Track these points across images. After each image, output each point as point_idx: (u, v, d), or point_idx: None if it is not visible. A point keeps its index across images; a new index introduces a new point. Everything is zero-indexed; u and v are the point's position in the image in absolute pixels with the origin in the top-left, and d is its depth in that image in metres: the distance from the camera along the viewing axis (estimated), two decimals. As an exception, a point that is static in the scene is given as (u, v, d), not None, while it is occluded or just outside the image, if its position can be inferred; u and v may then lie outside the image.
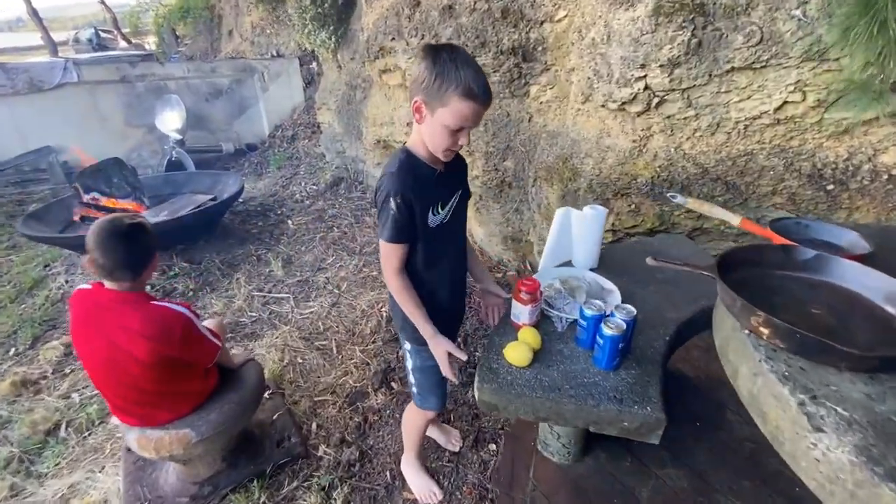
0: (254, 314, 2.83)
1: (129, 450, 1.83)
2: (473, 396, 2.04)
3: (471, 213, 3.13)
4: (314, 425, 2.05)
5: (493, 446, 1.82)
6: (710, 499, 1.43)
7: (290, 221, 4.11)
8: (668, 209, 2.18)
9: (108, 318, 1.40)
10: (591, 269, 1.65)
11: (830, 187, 1.93)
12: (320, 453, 1.91)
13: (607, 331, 1.14)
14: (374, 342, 2.54)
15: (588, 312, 1.23)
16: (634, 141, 2.19)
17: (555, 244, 1.74)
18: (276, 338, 2.59)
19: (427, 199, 1.19)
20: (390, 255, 1.22)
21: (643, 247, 1.85)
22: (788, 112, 1.86)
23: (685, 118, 2.05)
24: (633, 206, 2.26)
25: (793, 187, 1.97)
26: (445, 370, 1.28)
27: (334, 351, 2.49)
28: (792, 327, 0.76)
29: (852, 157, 1.87)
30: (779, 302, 0.93)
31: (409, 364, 1.44)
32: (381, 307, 2.78)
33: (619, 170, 2.25)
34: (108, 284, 1.42)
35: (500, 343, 1.31)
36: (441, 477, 1.73)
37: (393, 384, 2.23)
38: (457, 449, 1.81)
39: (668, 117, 2.08)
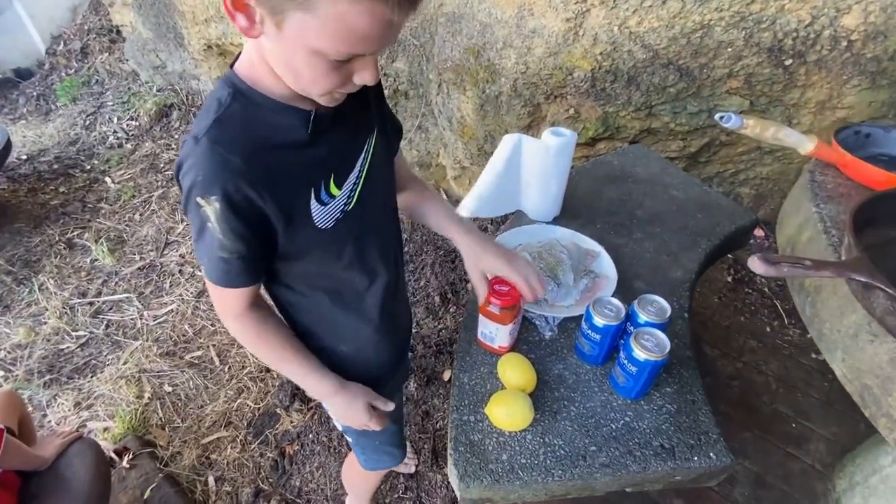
0: (81, 333, 1.98)
1: None
2: (417, 391, 1.65)
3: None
4: (211, 480, 1.50)
5: (457, 456, 1.46)
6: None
7: (108, 179, 2.97)
8: (613, 109, 1.76)
9: None
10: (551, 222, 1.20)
11: (789, 62, 1.63)
12: (229, 521, 1.39)
13: (643, 355, 0.72)
14: (270, 336, 1.92)
15: (599, 322, 0.79)
16: (568, 20, 1.63)
17: (497, 188, 1.19)
18: (125, 363, 1.84)
19: (299, 179, 0.61)
20: (223, 300, 0.67)
21: (604, 170, 1.43)
22: (757, -37, 1.44)
23: (633, -19, 1.53)
24: (571, 111, 1.79)
25: (750, 66, 1.64)
26: (373, 425, 0.82)
27: (216, 362, 1.85)
28: None
29: (814, 22, 1.56)
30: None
31: (339, 425, 0.94)
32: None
33: (550, 63, 1.71)
34: None
35: (472, 388, 0.83)
36: (401, 515, 1.35)
37: (309, 393, 1.70)
38: (412, 470, 1.42)
39: (611, -19, 1.54)
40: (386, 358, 0.85)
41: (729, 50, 1.62)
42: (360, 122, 0.68)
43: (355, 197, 0.68)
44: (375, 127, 0.71)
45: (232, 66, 0.58)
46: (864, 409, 0.61)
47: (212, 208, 0.54)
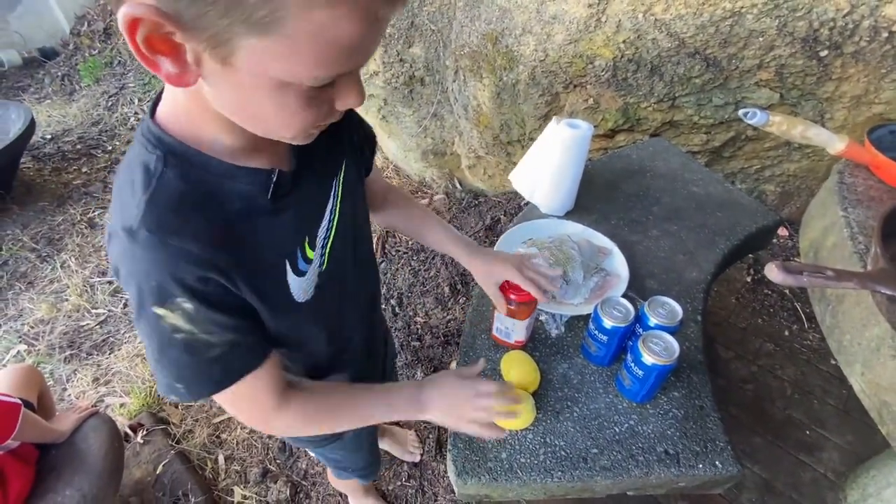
0: (100, 311, 2.04)
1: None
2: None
3: (375, 120, 2.41)
4: (220, 458, 1.53)
5: (461, 447, 1.46)
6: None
7: (129, 160, 3.02)
8: (634, 100, 1.70)
9: None
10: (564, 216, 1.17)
11: (824, 53, 1.55)
12: (237, 499, 1.43)
13: (651, 359, 0.70)
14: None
15: (608, 323, 0.77)
16: (590, 5, 1.58)
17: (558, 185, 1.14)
18: (141, 342, 1.89)
19: (270, 254, 0.49)
20: (247, 401, 0.52)
21: (621, 164, 1.39)
22: (795, -54, 1.36)
23: (660, -35, 1.46)
24: (590, 101, 1.74)
25: (782, 57, 1.56)
26: (492, 433, 0.63)
27: (229, 344, 1.88)
28: None
29: (853, 11, 1.47)
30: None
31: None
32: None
33: (570, 51, 1.66)
34: None
35: (475, 385, 0.82)
36: (404, 502, 1.37)
37: (317, 378, 1.73)
38: (416, 459, 1.43)
39: (638, -35, 1.48)
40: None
41: (760, 39, 1.54)
42: (328, 160, 0.55)
43: (328, 252, 0.55)
44: (344, 159, 0.58)
45: (152, 113, 0.43)
46: (881, 426, 0.58)
47: (180, 313, 0.42)
